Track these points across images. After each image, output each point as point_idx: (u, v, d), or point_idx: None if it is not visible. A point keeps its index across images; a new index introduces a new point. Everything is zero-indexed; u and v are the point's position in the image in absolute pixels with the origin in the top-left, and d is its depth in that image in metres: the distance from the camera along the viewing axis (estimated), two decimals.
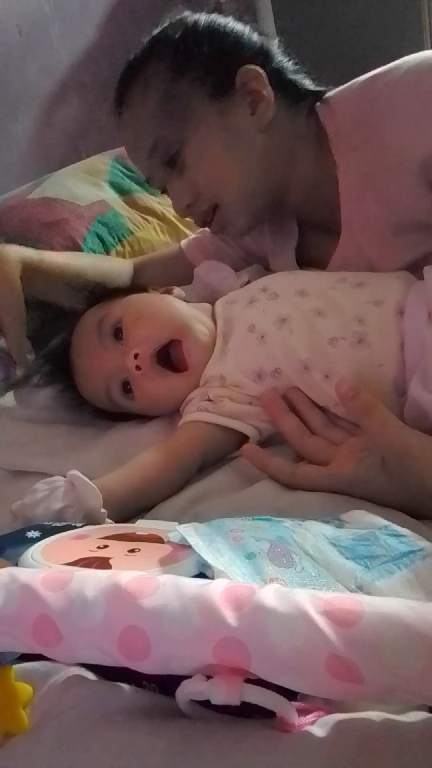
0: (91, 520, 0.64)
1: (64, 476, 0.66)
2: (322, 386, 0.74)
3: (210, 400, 0.78)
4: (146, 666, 0.35)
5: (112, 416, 0.87)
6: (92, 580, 0.36)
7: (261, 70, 0.85)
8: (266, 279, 0.87)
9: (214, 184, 0.88)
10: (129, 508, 0.69)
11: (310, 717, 0.37)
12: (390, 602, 0.33)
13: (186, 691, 0.36)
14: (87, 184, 1.31)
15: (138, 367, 0.79)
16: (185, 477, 0.74)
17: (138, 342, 0.80)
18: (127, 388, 0.82)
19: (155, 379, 0.80)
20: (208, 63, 0.85)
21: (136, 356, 0.79)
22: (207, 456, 0.75)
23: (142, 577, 0.36)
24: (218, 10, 0.89)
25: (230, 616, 0.33)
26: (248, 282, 0.92)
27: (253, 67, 0.85)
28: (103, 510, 0.64)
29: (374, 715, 0.37)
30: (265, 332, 0.78)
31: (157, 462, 0.73)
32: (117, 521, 0.66)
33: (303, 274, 0.89)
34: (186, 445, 0.75)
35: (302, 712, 0.37)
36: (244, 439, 0.77)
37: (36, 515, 0.64)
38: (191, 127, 0.85)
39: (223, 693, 0.34)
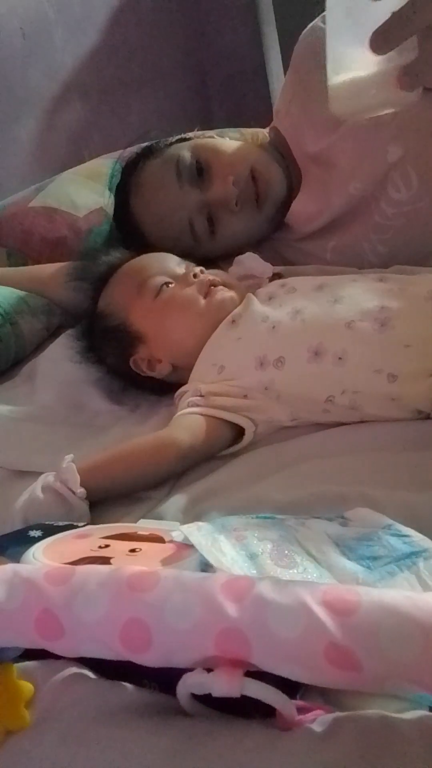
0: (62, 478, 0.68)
1: None
2: (331, 370, 0.74)
3: (202, 395, 0.79)
4: (148, 659, 0.35)
5: (126, 378, 0.91)
6: (94, 574, 0.37)
7: None
8: (287, 279, 0.90)
9: (239, 152, 1.03)
10: (101, 479, 0.71)
11: (309, 715, 0.37)
12: (387, 592, 0.34)
13: (187, 684, 0.36)
14: (87, 190, 1.31)
15: (195, 275, 0.88)
16: (167, 459, 0.74)
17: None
18: (163, 287, 0.87)
19: (187, 296, 0.86)
20: None
21: (202, 271, 0.88)
22: (197, 447, 0.75)
23: (143, 571, 0.36)
24: None
25: (231, 608, 0.34)
26: (279, 274, 0.94)
27: None
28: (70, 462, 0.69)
29: (373, 713, 0.37)
30: (278, 322, 0.79)
31: (135, 442, 0.75)
32: (91, 493, 0.69)
33: (322, 276, 0.90)
34: (169, 431, 0.76)
35: (302, 711, 0.37)
36: (237, 434, 0.77)
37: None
38: (195, 144, 1.04)
39: (224, 685, 0.34)
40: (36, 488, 0.69)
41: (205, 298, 0.86)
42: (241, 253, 1.06)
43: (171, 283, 0.88)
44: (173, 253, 0.98)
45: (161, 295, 0.87)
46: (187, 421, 0.76)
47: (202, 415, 0.76)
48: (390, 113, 0.76)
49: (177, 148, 1.05)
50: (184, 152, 1.02)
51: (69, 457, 0.71)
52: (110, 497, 0.72)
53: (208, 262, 1.06)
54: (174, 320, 0.86)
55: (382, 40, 0.58)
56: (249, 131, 1.31)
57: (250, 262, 0.96)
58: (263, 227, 1.06)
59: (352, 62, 0.61)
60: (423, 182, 0.94)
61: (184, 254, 1.00)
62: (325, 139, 0.99)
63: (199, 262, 0.99)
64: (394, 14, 0.57)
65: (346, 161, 0.97)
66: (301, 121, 1.02)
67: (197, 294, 0.87)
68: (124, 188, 1.09)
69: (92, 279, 0.96)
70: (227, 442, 0.77)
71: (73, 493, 0.68)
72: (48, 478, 0.70)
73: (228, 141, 1.08)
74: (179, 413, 0.79)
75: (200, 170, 1.01)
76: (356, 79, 0.61)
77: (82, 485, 0.69)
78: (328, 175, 1.00)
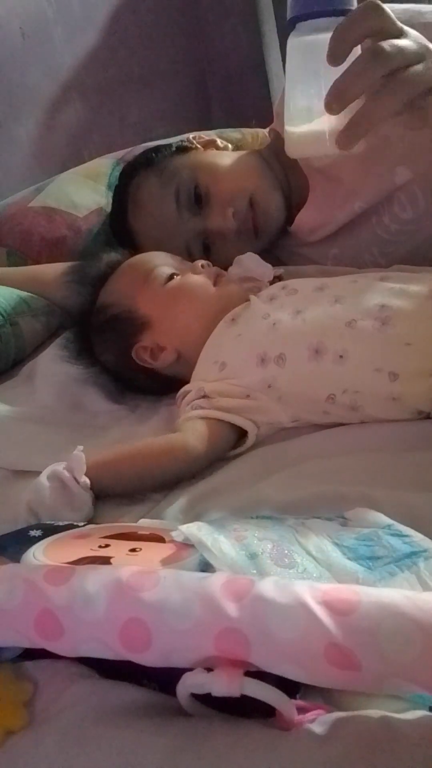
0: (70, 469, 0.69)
1: None
2: (332, 369, 0.74)
3: (205, 395, 0.79)
4: (147, 658, 0.35)
5: (124, 377, 0.90)
6: (94, 574, 0.37)
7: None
8: (288, 281, 0.90)
9: (239, 180, 1.01)
10: (108, 475, 0.71)
11: (309, 715, 0.37)
12: (386, 592, 0.34)
13: (187, 684, 0.36)
14: (87, 190, 1.32)
15: (203, 266, 0.90)
16: (177, 464, 0.73)
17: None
18: (172, 277, 0.88)
19: (198, 281, 0.88)
20: None
21: (202, 266, 0.89)
22: (206, 453, 0.74)
23: (143, 571, 0.36)
24: None
25: (230, 608, 0.34)
26: (279, 277, 0.94)
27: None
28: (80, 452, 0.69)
29: (373, 713, 0.37)
30: (278, 320, 0.79)
31: (147, 442, 0.75)
32: (96, 487, 0.69)
33: (323, 278, 0.90)
34: (181, 436, 0.75)
35: (302, 711, 0.37)
36: (241, 435, 0.77)
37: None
38: (195, 165, 1.02)
39: (223, 685, 0.34)
40: (42, 476, 0.69)
41: (214, 286, 0.88)
42: None
43: (178, 274, 0.89)
44: None
45: (170, 283, 0.88)
46: (196, 425, 0.76)
47: (207, 418, 0.76)
48: (398, 135, 0.82)
49: (177, 167, 1.04)
50: (184, 175, 1.02)
51: (80, 447, 0.71)
52: (114, 495, 0.72)
53: None
54: (184, 305, 0.87)
55: (335, 101, 0.59)
56: (249, 131, 1.32)
57: (249, 262, 0.95)
58: (260, 249, 1.06)
59: (309, 113, 0.64)
60: (430, 203, 0.94)
61: None
62: None
63: None
64: (344, 72, 0.59)
65: (352, 179, 0.97)
66: None
67: (207, 280, 0.88)
68: (121, 197, 1.10)
69: (90, 280, 0.96)
70: (231, 444, 0.77)
71: (77, 482, 0.68)
72: (56, 466, 0.70)
73: (229, 161, 1.06)
74: (185, 416, 0.78)
75: (198, 196, 1.00)
76: (312, 130, 0.64)
77: (89, 478, 0.69)
78: (334, 188, 0.99)
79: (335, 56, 0.59)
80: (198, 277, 0.89)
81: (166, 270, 0.89)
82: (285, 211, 1.04)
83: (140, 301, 0.88)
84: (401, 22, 0.62)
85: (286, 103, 0.66)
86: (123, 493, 0.72)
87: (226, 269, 0.98)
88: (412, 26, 0.63)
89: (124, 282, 0.92)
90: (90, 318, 0.93)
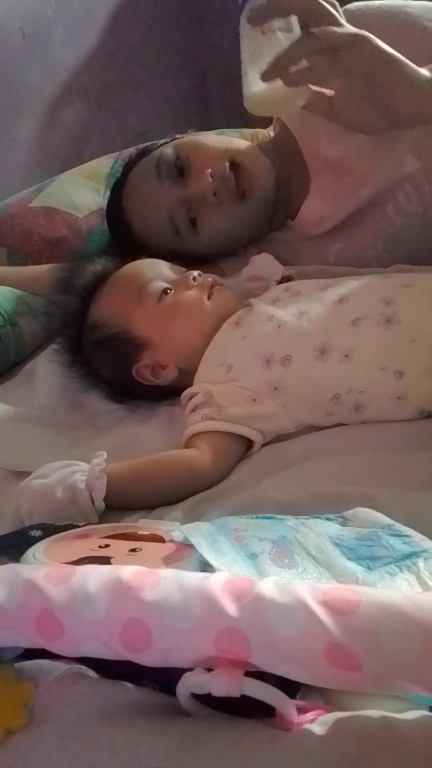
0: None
1: None
2: (338, 368, 0.74)
3: (212, 399, 0.78)
4: (147, 658, 0.35)
5: (123, 388, 0.89)
6: (94, 574, 0.37)
7: None
8: (291, 283, 0.90)
9: (219, 145, 1.02)
10: (125, 494, 0.70)
11: (309, 715, 0.37)
12: (387, 592, 0.34)
13: (187, 684, 0.36)
14: (87, 190, 1.32)
15: (194, 278, 0.87)
16: (195, 488, 0.72)
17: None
18: (165, 292, 0.87)
19: (192, 298, 0.86)
20: None
21: (194, 279, 0.87)
22: (221, 474, 0.74)
23: (143, 571, 0.36)
24: None
25: (231, 607, 0.34)
26: (289, 276, 0.93)
27: None
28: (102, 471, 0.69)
29: (373, 713, 0.37)
30: (283, 322, 0.79)
31: (166, 464, 0.74)
32: (110, 504, 0.68)
33: (326, 278, 0.90)
34: (202, 460, 0.74)
35: (301, 711, 0.37)
36: (249, 442, 0.77)
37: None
38: (179, 141, 1.04)
39: (223, 685, 0.34)
40: (56, 487, 0.68)
41: (208, 299, 0.86)
42: (235, 249, 1.07)
43: (170, 288, 0.87)
44: (160, 251, 0.97)
45: (164, 301, 0.86)
46: (210, 444, 0.75)
47: (217, 431, 0.76)
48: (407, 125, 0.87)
49: (163, 146, 1.04)
50: (167, 150, 1.02)
51: (101, 456, 0.70)
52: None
53: (205, 262, 1.06)
54: (181, 324, 0.85)
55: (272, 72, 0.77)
56: (249, 131, 1.31)
57: (261, 263, 0.95)
58: (252, 221, 1.04)
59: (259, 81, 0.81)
60: None
61: (172, 252, 0.99)
62: (342, 143, 0.97)
63: (195, 261, 0.98)
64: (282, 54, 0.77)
65: (361, 167, 0.96)
66: (315, 121, 0.99)
67: (201, 295, 0.86)
68: (115, 187, 1.10)
69: (77, 291, 0.94)
70: (241, 455, 0.77)
71: (92, 502, 0.67)
72: (75, 477, 0.68)
73: (213, 135, 1.07)
74: (195, 427, 0.77)
75: (181, 168, 1.00)
76: (265, 89, 0.81)
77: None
78: (341, 181, 0.99)
79: (255, 19, 0.78)
80: (191, 293, 0.86)
81: (159, 285, 0.87)
82: (273, 173, 1.03)
83: (135, 322, 0.87)
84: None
85: (243, 75, 0.81)
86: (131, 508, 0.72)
87: (217, 243, 1.00)
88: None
89: (117, 300, 0.89)
90: (82, 333, 0.91)
